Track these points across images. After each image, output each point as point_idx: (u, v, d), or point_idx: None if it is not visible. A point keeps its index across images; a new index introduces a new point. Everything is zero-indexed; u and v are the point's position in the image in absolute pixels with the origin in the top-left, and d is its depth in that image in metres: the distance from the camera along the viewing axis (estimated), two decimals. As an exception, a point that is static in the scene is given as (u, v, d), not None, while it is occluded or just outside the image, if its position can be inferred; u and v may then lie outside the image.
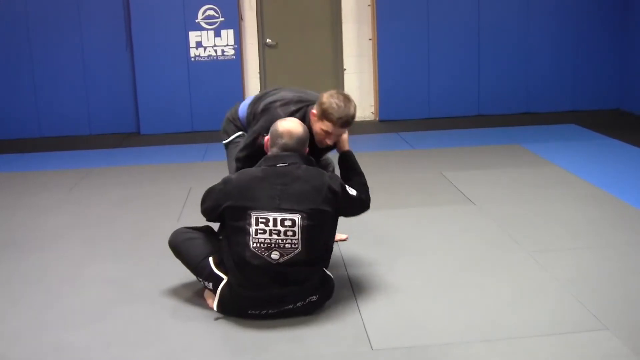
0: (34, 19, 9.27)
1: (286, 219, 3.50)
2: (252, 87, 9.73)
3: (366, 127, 9.41)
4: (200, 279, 3.74)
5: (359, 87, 9.89)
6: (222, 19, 9.34)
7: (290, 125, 3.73)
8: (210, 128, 9.45)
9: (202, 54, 9.38)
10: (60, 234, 5.25)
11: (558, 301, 3.71)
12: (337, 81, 9.85)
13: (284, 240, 3.49)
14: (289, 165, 3.63)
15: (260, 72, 9.75)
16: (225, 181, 3.69)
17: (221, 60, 9.42)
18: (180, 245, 3.85)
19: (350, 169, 3.95)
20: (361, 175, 3.95)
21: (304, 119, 3.92)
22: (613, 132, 8.14)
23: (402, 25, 9.55)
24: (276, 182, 3.57)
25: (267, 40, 9.72)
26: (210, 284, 3.67)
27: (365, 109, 9.95)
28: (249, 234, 3.51)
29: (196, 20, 9.31)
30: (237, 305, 3.60)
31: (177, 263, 4.51)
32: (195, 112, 9.50)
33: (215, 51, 9.40)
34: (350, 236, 4.82)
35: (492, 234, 4.87)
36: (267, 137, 3.79)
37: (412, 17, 9.56)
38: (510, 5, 9.67)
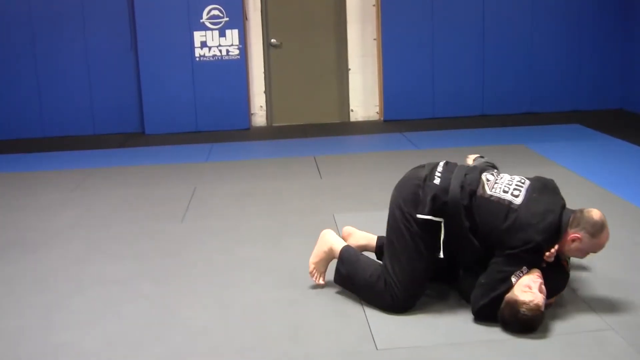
0: (38, 19, 9.29)
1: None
2: (257, 87, 9.74)
3: (370, 127, 9.41)
4: None
5: (364, 87, 9.88)
6: (227, 19, 9.34)
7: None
8: (214, 128, 9.48)
9: (207, 54, 9.39)
10: (64, 234, 5.25)
11: (562, 301, 3.70)
12: (342, 81, 9.85)
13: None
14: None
15: (264, 72, 9.75)
16: None
17: (226, 60, 9.43)
18: None
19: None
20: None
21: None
22: (616, 132, 8.12)
23: (406, 25, 9.55)
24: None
25: (272, 40, 9.72)
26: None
27: (369, 109, 9.95)
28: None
29: (201, 20, 9.32)
30: None
31: (181, 263, 4.54)
32: (199, 112, 9.51)
33: (220, 51, 9.40)
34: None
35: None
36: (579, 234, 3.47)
37: (417, 17, 9.56)
38: (515, 5, 9.66)
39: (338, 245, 3.88)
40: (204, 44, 9.37)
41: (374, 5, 9.66)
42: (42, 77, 9.42)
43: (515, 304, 3.35)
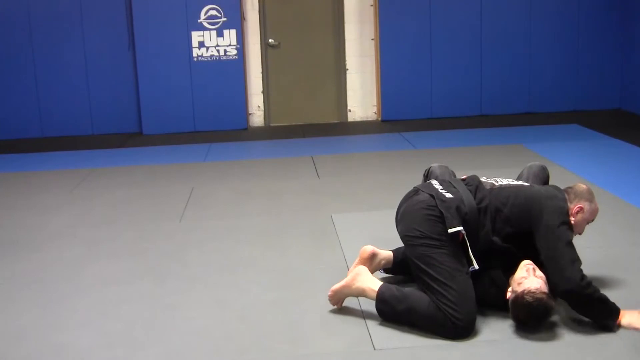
0: (36, 19, 9.28)
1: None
2: (255, 87, 9.74)
3: (368, 127, 9.41)
4: None
5: (362, 87, 9.89)
6: (225, 19, 9.34)
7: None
8: (212, 128, 9.48)
9: (205, 54, 9.39)
10: (62, 234, 5.25)
11: (562, 301, 3.70)
12: (340, 81, 9.85)
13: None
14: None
15: (262, 72, 9.75)
16: None
17: (223, 60, 9.43)
18: None
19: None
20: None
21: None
22: (614, 132, 8.13)
23: (404, 25, 9.55)
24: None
25: (270, 40, 9.72)
26: None
27: (367, 109, 9.95)
28: None
29: (198, 20, 9.32)
30: None
31: (179, 262, 4.54)
32: (197, 112, 9.50)
33: (218, 51, 9.40)
34: (351, 235, 4.82)
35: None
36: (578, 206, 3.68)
37: (415, 17, 9.56)
38: (513, 5, 9.66)
39: (373, 286, 3.58)
40: (201, 44, 9.37)
41: (371, 5, 9.66)
42: (40, 77, 9.41)
43: (522, 299, 3.32)
